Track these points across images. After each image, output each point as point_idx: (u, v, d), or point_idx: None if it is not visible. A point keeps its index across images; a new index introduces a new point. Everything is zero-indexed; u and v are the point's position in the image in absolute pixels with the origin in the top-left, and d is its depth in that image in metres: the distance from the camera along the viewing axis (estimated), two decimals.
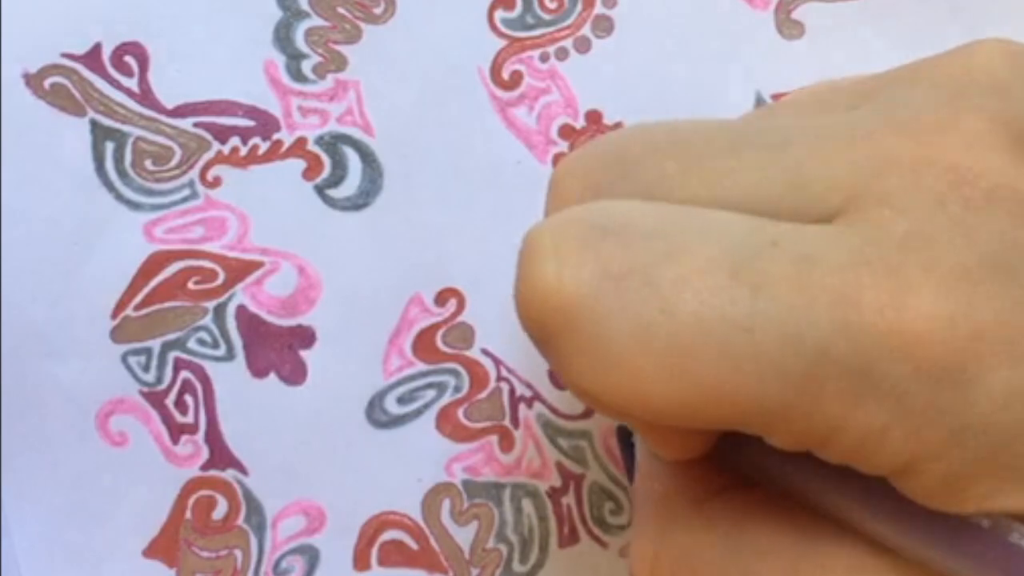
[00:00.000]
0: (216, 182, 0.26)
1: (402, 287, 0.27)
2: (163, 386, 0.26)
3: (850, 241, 0.16)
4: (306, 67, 0.27)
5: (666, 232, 0.17)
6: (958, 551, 0.17)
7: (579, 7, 0.27)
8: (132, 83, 0.26)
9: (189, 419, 0.26)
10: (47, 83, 0.26)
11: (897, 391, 0.16)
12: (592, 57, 0.27)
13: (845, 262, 0.16)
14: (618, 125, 0.27)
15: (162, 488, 0.26)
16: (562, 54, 0.27)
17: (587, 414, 0.27)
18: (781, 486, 0.19)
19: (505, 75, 0.27)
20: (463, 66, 0.27)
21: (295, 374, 0.26)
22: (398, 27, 0.26)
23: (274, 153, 0.26)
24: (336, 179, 0.27)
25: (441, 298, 0.27)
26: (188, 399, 0.26)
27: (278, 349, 0.26)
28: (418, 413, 0.26)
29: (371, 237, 0.27)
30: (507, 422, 0.27)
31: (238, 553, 0.26)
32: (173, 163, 0.26)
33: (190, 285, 0.26)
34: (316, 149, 0.27)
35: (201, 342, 0.26)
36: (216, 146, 0.26)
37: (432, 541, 0.26)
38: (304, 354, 0.26)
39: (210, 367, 0.26)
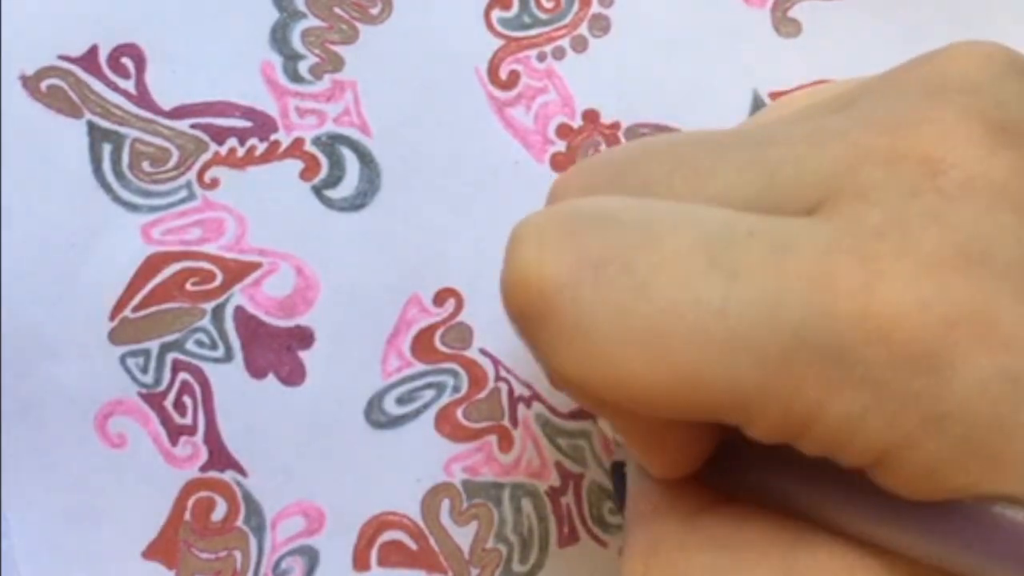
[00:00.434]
0: (214, 183, 0.26)
1: (400, 287, 0.27)
2: (162, 387, 0.26)
3: (825, 231, 0.16)
4: (303, 68, 0.26)
5: (646, 222, 0.17)
6: (945, 536, 0.17)
7: (576, 6, 0.27)
8: (129, 85, 0.26)
9: (188, 420, 0.26)
10: (44, 85, 0.26)
11: (873, 376, 0.16)
12: (589, 56, 0.27)
13: (820, 250, 0.16)
14: (615, 124, 0.27)
15: (161, 489, 0.26)
16: (559, 53, 0.27)
17: (586, 414, 0.27)
18: (767, 498, 0.19)
19: (502, 75, 0.27)
20: (460, 66, 0.27)
21: (294, 375, 0.26)
22: (395, 27, 0.26)
23: (271, 154, 0.26)
24: (334, 180, 0.27)
25: (439, 298, 0.27)
26: (187, 400, 0.26)
27: (276, 350, 0.26)
28: (417, 413, 0.26)
29: (369, 237, 0.27)
30: (506, 422, 0.27)
31: (237, 554, 0.26)
32: (170, 164, 0.26)
33: (188, 286, 0.26)
34: (313, 150, 0.27)
35: (199, 343, 0.26)
36: (213, 147, 0.26)
37: (431, 541, 0.26)
38: (303, 355, 0.26)
39: (209, 368, 0.26)
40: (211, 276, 0.26)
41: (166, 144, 0.26)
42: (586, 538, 0.26)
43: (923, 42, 0.20)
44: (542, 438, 0.27)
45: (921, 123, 0.17)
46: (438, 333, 0.27)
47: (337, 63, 0.27)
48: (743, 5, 0.27)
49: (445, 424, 0.26)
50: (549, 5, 0.27)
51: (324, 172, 0.27)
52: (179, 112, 0.26)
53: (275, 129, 0.26)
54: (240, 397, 0.26)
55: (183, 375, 0.26)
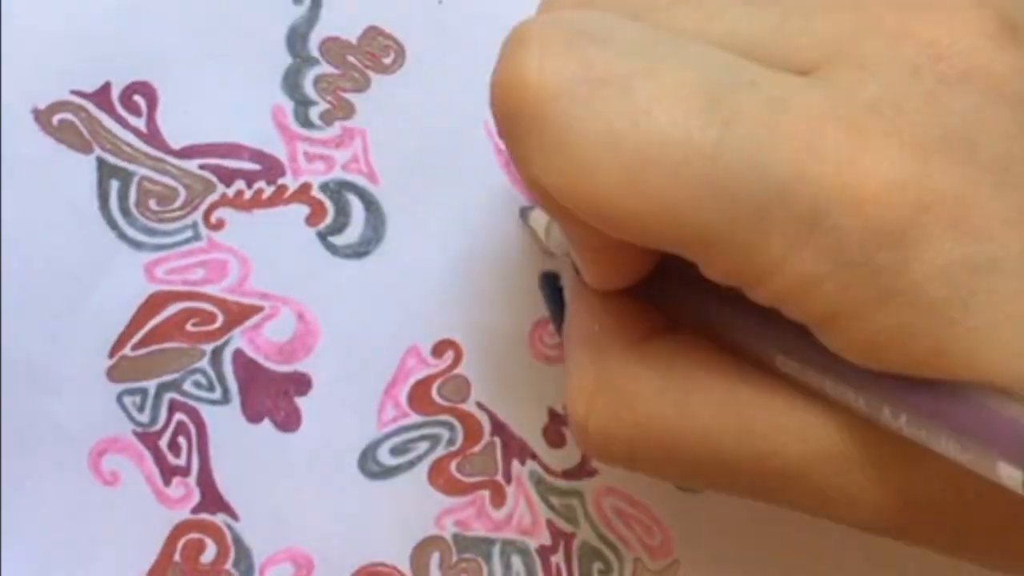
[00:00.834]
0: (219, 224, 0.26)
1: (400, 337, 0.27)
2: (157, 427, 0.26)
3: (823, 94, 0.17)
4: (314, 113, 0.27)
5: (651, 51, 0.17)
6: (882, 398, 0.17)
7: None
8: (140, 122, 0.26)
9: (182, 461, 0.26)
10: (55, 119, 0.26)
11: (839, 244, 0.16)
12: None
13: (814, 113, 0.16)
14: None
15: (152, 529, 0.26)
16: None
17: (580, 474, 0.26)
18: (708, 328, 0.19)
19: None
20: (469, 119, 0.27)
21: (290, 421, 0.26)
22: (406, 78, 0.26)
23: (278, 198, 0.27)
24: (339, 226, 0.27)
25: (438, 350, 0.27)
26: (181, 441, 0.26)
27: (274, 395, 0.26)
28: (411, 465, 0.26)
29: (371, 285, 0.27)
30: (499, 477, 0.26)
31: None
32: (177, 204, 0.26)
33: (188, 327, 0.26)
34: (320, 195, 0.27)
35: (197, 384, 0.26)
36: (221, 188, 0.26)
37: None
38: (299, 401, 0.26)
39: (205, 410, 0.26)
40: (212, 318, 0.26)
41: (174, 183, 0.26)
42: None
43: None
44: (535, 496, 0.26)
45: (935, 6, 0.17)
46: (435, 385, 0.27)
47: (348, 110, 0.27)
48: None
49: (438, 477, 0.26)
50: None
51: (330, 218, 0.27)
52: (188, 152, 0.26)
53: (283, 173, 0.27)
54: (235, 440, 0.26)
55: (179, 415, 0.26)
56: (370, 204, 0.27)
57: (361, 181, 0.27)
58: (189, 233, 0.26)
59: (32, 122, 0.26)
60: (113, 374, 0.26)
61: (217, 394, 0.26)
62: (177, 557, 0.26)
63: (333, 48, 0.27)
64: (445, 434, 0.26)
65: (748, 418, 0.18)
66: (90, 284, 0.26)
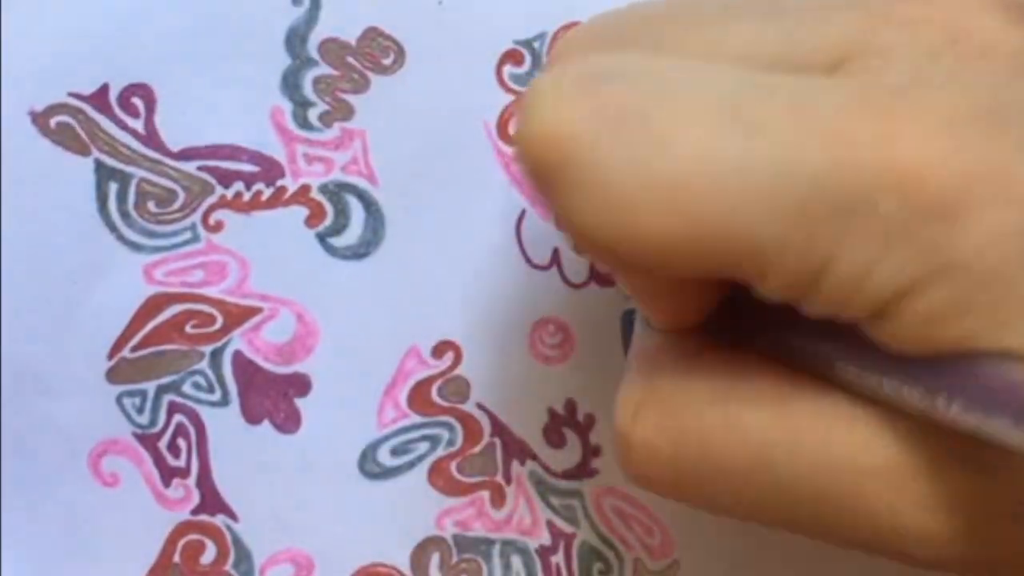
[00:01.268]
0: (218, 226, 0.26)
1: (400, 338, 0.27)
2: (156, 429, 0.26)
3: (845, 88, 0.17)
4: (312, 115, 0.27)
5: (664, 77, 0.17)
6: (943, 391, 0.17)
7: None
8: (138, 124, 0.26)
9: (181, 463, 0.26)
10: (53, 122, 0.26)
11: (886, 226, 0.16)
12: None
13: (840, 105, 0.16)
14: None
15: (151, 530, 0.26)
16: None
17: (580, 474, 0.27)
18: (768, 351, 0.19)
19: (511, 130, 0.27)
20: (469, 120, 0.27)
21: (289, 422, 0.26)
22: (406, 79, 0.26)
23: (277, 199, 0.27)
24: (338, 228, 0.27)
25: (438, 350, 0.27)
26: (181, 443, 0.26)
27: (273, 396, 0.26)
28: (411, 465, 0.26)
29: (371, 287, 0.27)
30: (499, 478, 0.27)
31: None
32: (176, 206, 0.26)
33: (188, 329, 0.26)
34: (319, 197, 0.27)
35: (196, 386, 0.26)
36: (219, 190, 0.26)
37: None
38: (299, 402, 0.26)
39: (204, 412, 0.26)
40: (211, 319, 0.26)
41: (172, 185, 0.26)
42: None
43: None
44: (535, 496, 0.27)
45: None
46: (435, 386, 0.27)
47: (347, 112, 0.27)
48: None
49: (438, 477, 0.26)
50: None
51: (329, 220, 0.27)
52: (187, 154, 0.26)
53: (282, 175, 0.27)
54: (235, 442, 0.26)
55: (179, 417, 0.26)
56: (369, 206, 0.27)
57: (360, 183, 0.27)
58: (188, 235, 0.26)
59: (30, 125, 0.26)
60: (112, 376, 0.26)
61: (217, 396, 0.26)
62: (177, 558, 0.26)
63: (332, 49, 0.26)
64: (445, 435, 0.26)
65: (800, 430, 0.18)
66: (89, 286, 0.26)
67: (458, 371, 0.27)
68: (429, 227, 0.27)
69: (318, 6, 0.26)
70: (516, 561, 0.26)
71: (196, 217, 0.26)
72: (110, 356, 0.26)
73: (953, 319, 0.16)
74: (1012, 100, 0.16)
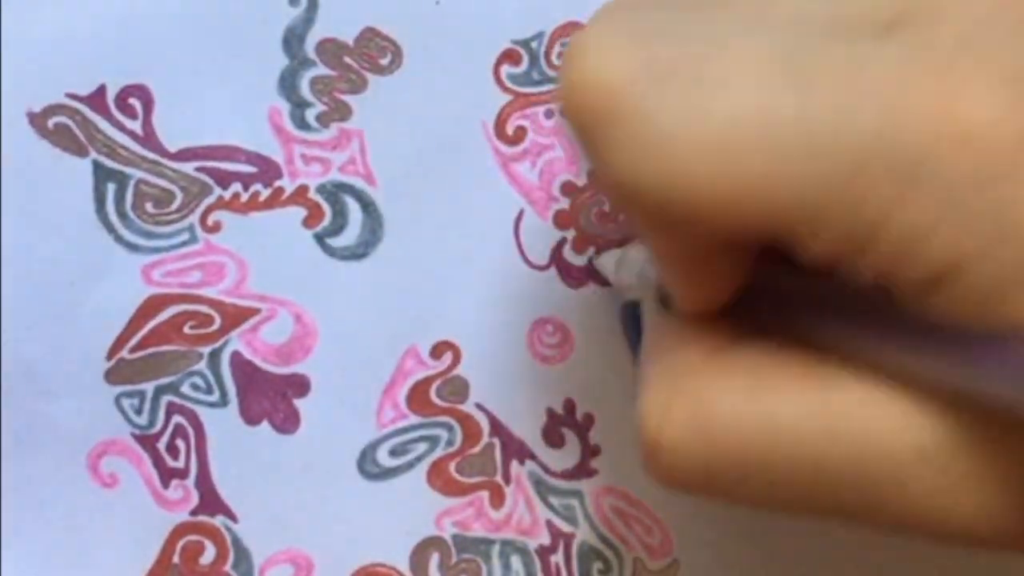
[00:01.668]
0: (216, 227, 0.26)
1: (398, 338, 0.27)
2: (155, 429, 0.26)
3: (901, 47, 0.16)
4: (310, 115, 0.26)
5: (714, 33, 0.17)
6: (983, 369, 0.16)
7: None
8: (136, 125, 0.26)
9: (180, 464, 0.26)
10: (51, 123, 0.26)
11: (945, 186, 0.15)
12: None
13: (897, 63, 0.16)
14: None
15: (151, 531, 0.26)
16: None
17: (579, 474, 0.27)
18: (796, 335, 0.18)
19: (509, 130, 0.27)
20: (467, 120, 0.27)
21: (288, 422, 0.26)
22: (403, 79, 0.26)
23: (275, 200, 0.26)
24: (336, 228, 0.27)
25: (437, 351, 0.27)
26: (180, 443, 0.26)
27: (272, 397, 0.26)
28: (410, 466, 0.26)
29: (369, 287, 0.27)
30: (498, 478, 0.27)
31: None
32: (174, 207, 0.26)
33: (186, 329, 0.26)
34: (317, 197, 0.27)
35: (195, 387, 0.26)
36: (217, 191, 0.26)
37: None
38: (298, 403, 0.26)
39: (203, 412, 0.26)
40: (209, 320, 0.26)
41: (170, 186, 0.26)
42: None
43: None
44: (534, 496, 0.27)
45: None
46: (434, 386, 0.27)
47: (344, 112, 0.27)
48: None
49: (437, 478, 0.26)
50: (559, 62, 0.27)
51: (327, 220, 0.27)
52: (185, 155, 0.26)
53: (280, 175, 0.26)
54: (234, 442, 0.26)
55: (177, 418, 0.26)
56: (367, 206, 0.27)
57: (358, 183, 0.27)
58: (186, 236, 0.26)
59: (27, 126, 0.26)
60: (111, 377, 0.26)
61: (215, 396, 0.26)
62: (176, 559, 0.26)
63: (330, 49, 0.26)
64: (444, 435, 0.26)
65: (839, 418, 0.17)
66: (87, 287, 0.26)
67: (457, 371, 0.27)
68: (427, 227, 0.27)
69: (315, 6, 0.26)
70: (515, 561, 0.26)
71: (194, 218, 0.26)
72: (109, 357, 0.26)
73: (1012, 289, 0.15)
74: None
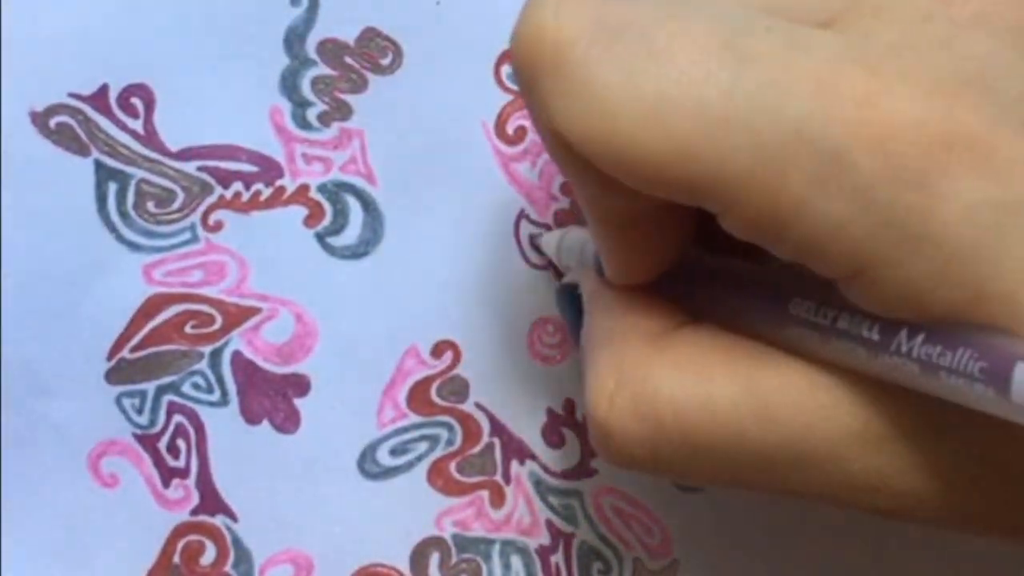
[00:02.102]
0: (217, 226, 0.26)
1: (399, 338, 0.27)
2: (156, 429, 0.26)
3: (839, 41, 0.17)
4: (311, 115, 0.27)
5: (667, 2, 0.17)
6: (913, 353, 0.16)
7: None
8: (137, 125, 0.26)
9: (181, 463, 0.26)
10: (53, 122, 0.26)
11: (862, 184, 0.16)
12: None
13: (832, 56, 0.16)
14: None
15: (151, 531, 0.26)
16: None
17: (579, 474, 0.27)
18: (728, 317, 0.19)
19: (509, 130, 0.27)
20: (467, 119, 0.27)
21: (288, 422, 0.26)
22: (404, 79, 0.27)
23: (276, 199, 0.27)
24: (337, 227, 0.27)
25: (437, 350, 0.27)
26: (180, 443, 0.26)
27: (272, 396, 0.26)
28: (410, 465, 0.26)
29: (370, 287, 0.27)
30: (499, 478, 0.26)
31: None
32: (175, 206, 0.26)
33: (187, 329, 0.26)
34: (318, 197, 0.27)
35: (196, 387, 0.26)
36: (219, 190, 0.26)
37: None
38: (298, 402, 0.26)
39: (204, 412, 0.26)
40: (210, 320, 0.26)
41: (172, 185, 0.26)
42: None
43: None
44: (534, 496, 0.27)
45: None
46: (434, 385, 0.27)
47: (345, 111, 0.27)
48: None
49: (438, 477, 0.26)
50: None
51: (328, 219, 0.27)
52: (186, 154, 0.26)
53: (281, 175, 0.27)
54: (234, 442, 0.26)
55: (178, 418, 0.26)
56: (368, 205, 0.27)
57: (359, 182, 0.27)
58: (187, 235, 0.26)
59: (29, 125, 0.26)
60: (112, 376, 0.26)
61: (216, 396, 0.26)
62: (177, 559, 0.26)
63: (331, 49, 0.27)
64: (444, 434, 0.26)
65: (772, 404, 0.18)
66: (88, 286, 0.26)
67: (457, 371, 0.27)
68: (428, 226, 0.27)
69: (316, 6, 0.26)
70: (516, 561, 0.26)
71: (195, 217, 0.26)
72: (109, 356, 0.26)
73: (931, 293, 0.16)
74: (1000, 71, 0.16)
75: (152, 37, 0.26)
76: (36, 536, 0.26)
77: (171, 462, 0.26)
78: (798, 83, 0.16)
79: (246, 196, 0.26)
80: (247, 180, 0.26)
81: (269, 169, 0.27)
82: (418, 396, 0.26)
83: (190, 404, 0.26)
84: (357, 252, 0.27)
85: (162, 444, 0.26)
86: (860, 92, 0.16)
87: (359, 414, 0.26)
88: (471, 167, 0.27)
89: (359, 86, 0.27)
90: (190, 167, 0.26)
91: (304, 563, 0.26)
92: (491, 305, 0.27)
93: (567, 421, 0.27)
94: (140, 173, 0.26)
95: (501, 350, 0.27)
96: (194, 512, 0.26)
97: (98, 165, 0.26)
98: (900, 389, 0.17)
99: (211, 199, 0.26)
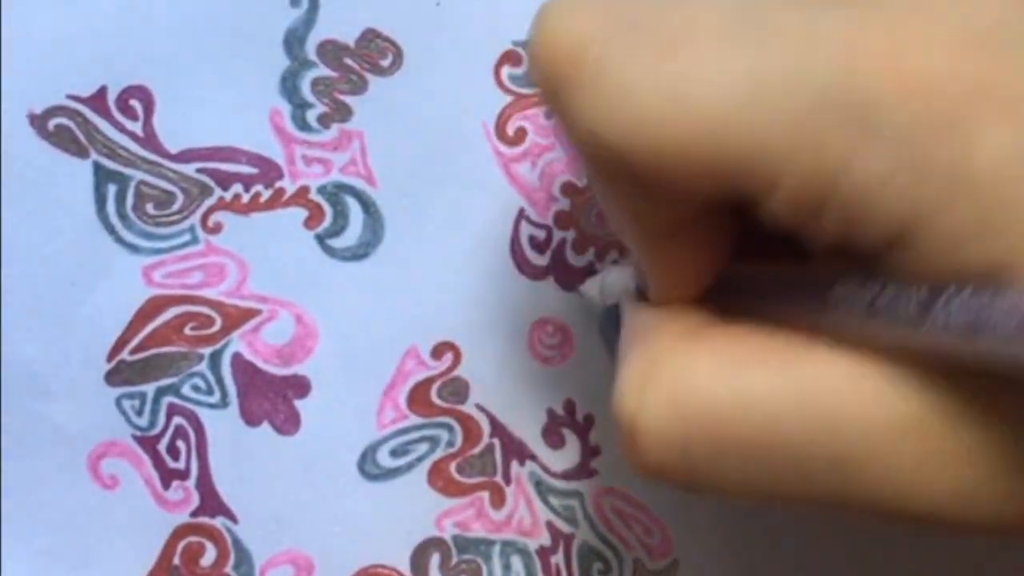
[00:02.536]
0: (217, 228, 0.26)
1: (399, 339, 0.27)
2: (156, 431, 0.26)
3: (855, 9, 0.17)
4: (311, 116, 0.27)
5: None
6: (964, 319, 0.16)
7: None
8: (136, 127, 0.26)
9: (181, 465, 0.26)
10: (51, 124, 0.26)
11: (899, 135, 0.16)
12: None
13: (849, 19, 0.16)
14: None
15: (151, 533, 0.26)
16: None
17: (579, 475, 0.27)
18: (765, 317, 0.19)
19: (510, 131, 0.27)
20: (468, 120, 0.27)
21: (288, 423, 0.26)
22: (404, 80, 0.27)
23: (276, 201, 0.27)
24: (337, 229, 0.27)
25: (438, 351, 0.27)
26: (180, 445, 0.26)
27: (272, 398, 0.26)
28: (410, 467, 0.26)
29: (370, 288, 0.27)
30: (499, 478, 0.27)
31: None
32: (175, 208, 0.26)
33: (187, 331, 0.26)
34: (318, 198, 0.27)
35: (195, 388, 0.26)
36: (218, 192, 0.26)
37: None
38: (298, 404, 0.26)
39: (203, 414, 0.26)
40: (210, 321, 0.26)
41: (171, 187, 0.26)
42: None
43: None
44: (534, 496, 0.27)
45: None
46: (435, 386, 0.27)
47: (345, 113, 0.27)
48: None
49: (438, 478, 0.26)
50: None
51: (328, 221, 0.27)
52: (185, 156, 0.26)
53: (281, 176, 0.27)
54: (234, 444, 0.26)
55: (178, 419, 0.26)
56: (368, 207, 0.27)
57: (359, 184, 0.27)
58: (187, 237, 0.26)
59: (28, 127, 0.26)
60: (112, 378, 0.26)
61: (216, 397, 0.26)
62: (177, 560, 0.26)
63: (330, 51, 0.27)
64: (444, 435, 0.26)
65: (809, 392, 0.17)
66: (88, 288, 0.26)
67: (457, 372, 0.27)
68: (428, 228, 0.27)
69: (316, 8, 0.26)
70: (516, 561, 0.26)
71: (195, 219, 0.26)
72: (109, 358, 0.26)
73: (975, 241, 0.16)
74: (1013, 29, 0.16)
75: (151, 39, 0.26)
76: (36, 537, 0.26)
77: (171, 463, 0.26)
78: (819, 50, 0.16)
79: (246, 198, 0.26)
80: (247, 182, 0.26)
81: (269, 171, 0.27)
82: (418, 397, 0.26)
83: (190, 406, 0.26)
84: (357, 254, 0.27)
85: (162, 446, 0.26)
86: (886, 47, 0.16)
87: (359, 415, 0.26)
88: (471, 168, 0.27)
89: (359, 87, 0.27)
90: (189, 169, 0.26)
91: (304, 564, 0.26)
92: (491, 306, 0.27)
93: (567, 422, 0.27)
94: (139, 175, 0.26)
95: (501, 351, 0.27)
96: (194, 513, 0.26)
97: (97, 167, 0.26)
98: (945, 375, 0.17)
99: (211, 201, 0.26)
